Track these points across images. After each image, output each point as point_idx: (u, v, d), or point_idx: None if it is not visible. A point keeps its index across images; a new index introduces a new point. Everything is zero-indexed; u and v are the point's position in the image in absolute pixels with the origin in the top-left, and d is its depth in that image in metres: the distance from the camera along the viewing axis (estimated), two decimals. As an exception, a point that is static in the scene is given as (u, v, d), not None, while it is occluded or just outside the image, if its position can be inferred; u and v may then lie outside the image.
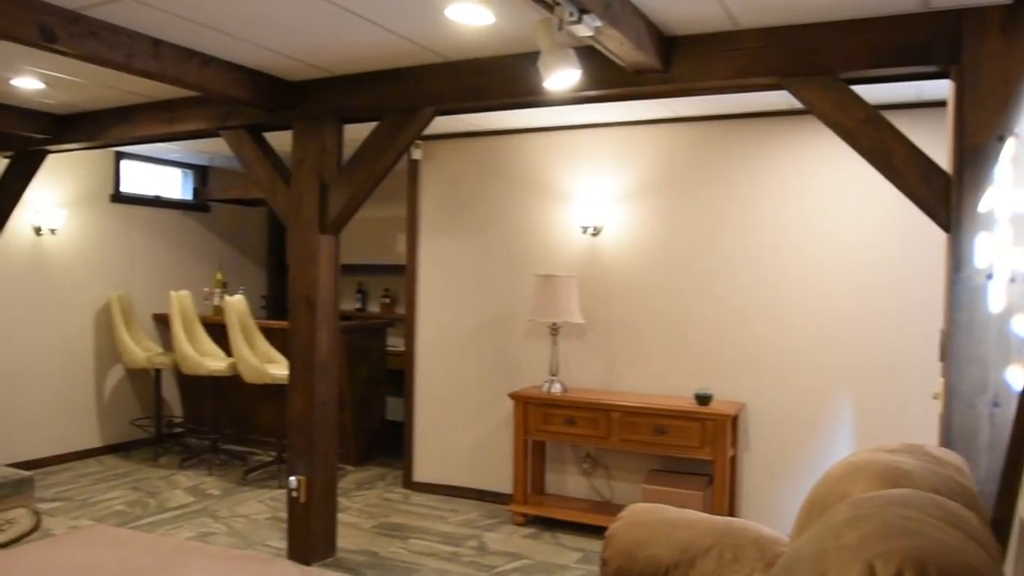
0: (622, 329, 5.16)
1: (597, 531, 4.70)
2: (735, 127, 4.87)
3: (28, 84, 4.58)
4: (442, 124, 4.91)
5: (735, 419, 4.69)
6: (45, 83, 4.56)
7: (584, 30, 2.74)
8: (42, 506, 5.24)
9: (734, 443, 4.72)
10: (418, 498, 5.63)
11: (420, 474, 5.82)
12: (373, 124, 4.16)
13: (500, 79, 3.76)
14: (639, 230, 5.11)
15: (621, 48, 3.07)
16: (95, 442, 6.74)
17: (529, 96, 3.72)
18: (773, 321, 4.76)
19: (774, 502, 4.74)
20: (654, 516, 2.56)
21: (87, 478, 6.06)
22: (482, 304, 5.60)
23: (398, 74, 4.01)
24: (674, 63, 3.41)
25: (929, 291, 3.85)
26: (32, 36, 3.19)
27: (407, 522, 5.08)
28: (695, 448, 4.56)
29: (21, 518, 4.92)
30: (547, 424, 4.96)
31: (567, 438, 4.99)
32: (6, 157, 5.88)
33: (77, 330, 6.60)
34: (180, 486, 5.85)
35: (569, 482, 5.33)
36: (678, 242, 5.01)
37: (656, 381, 5.04)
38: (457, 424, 5.69)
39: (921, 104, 4.29)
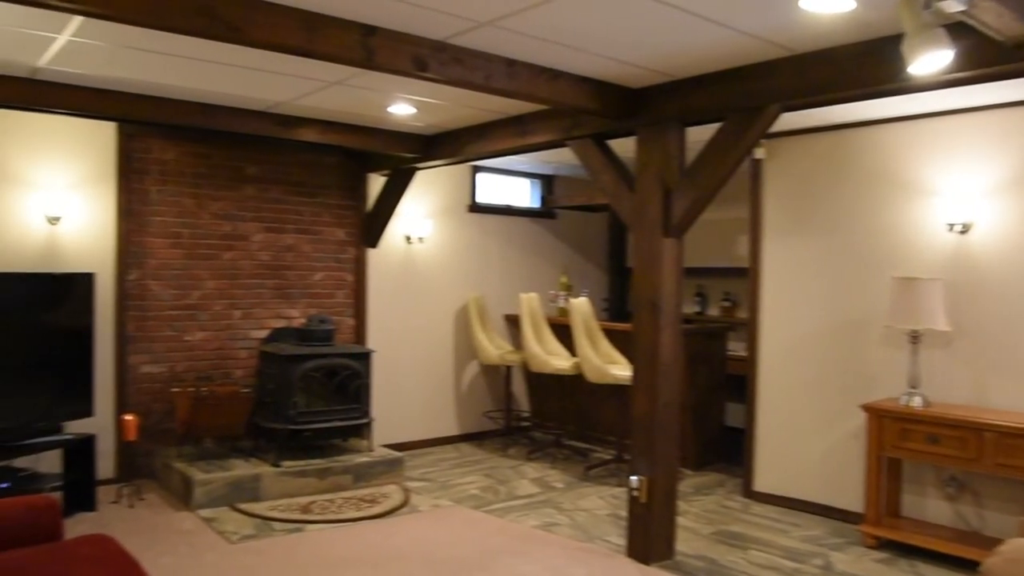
0: (998, 338, 4.57)
1: (962, 564, 4.23)
2: None
3: (402, 110, 5.17)
4: (787, 120, 4.70)
5: None
6: (416, 108, 5.11)
7: (954, 5, 2.47)
8: (409, 484, 5.86)
9: None
10: (758, 508, 5.45)
11: (761, 484, 5.63)
12: (715, 126, 4.11)
13: (854, 68, 3.51)
14: (1019, 226, 4.50)
15: (1000, 21, 2.72)
16: (453, 430, 7.41)
17: (887, 84, 3.43)
18: None
19: None
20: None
21: (446, 462, 6.66)
22: (831, 308, 5.29)
23: (741, 72, 3.91)
24: (1069, 33, 2.95)
25: None
26: (408, 67, 3.59)
27: (747, 532, 4.94)
28: (1093, 480, 3.92)
29: (393, 493, 5.55)
30: (905, 441, 4.55)
31: (928, 458, 4.53)
32: (383, 175, 6.69)
33: (440, 329, 7.31)
34: (527, 476, 6.21)
35: (929, 506, 4.84)
36: (1070, 241, 4.34)
37: (1040, 400, 4.41)
38: (802, 434, 5.42)
39: None
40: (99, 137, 5.49)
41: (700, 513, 5.31)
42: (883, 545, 4.68)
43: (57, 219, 5.30)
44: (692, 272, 7.15)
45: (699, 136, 4.26)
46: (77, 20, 3.47)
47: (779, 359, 5.56)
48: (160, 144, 5.75)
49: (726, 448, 6.67)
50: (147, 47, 3.87)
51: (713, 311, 7.70)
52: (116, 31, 3.55)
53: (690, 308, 7.68)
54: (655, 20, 3.27)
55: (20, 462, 4.88)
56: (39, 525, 3.04)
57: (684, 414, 5.56)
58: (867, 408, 4.71)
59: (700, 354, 6.55)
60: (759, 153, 5.59)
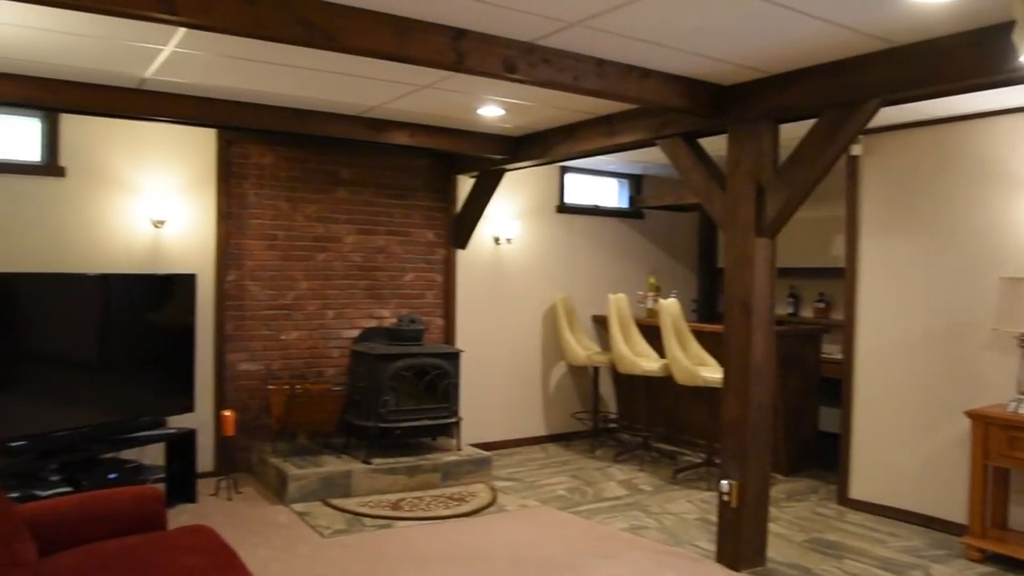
0: (1116, 344, 4.33)
1: (1080, 580, 4.02)
2: None
3: (491, 112, 5.20)
4: (885, 115, 4.54)
5: None
6: (504, 109, 5.14)
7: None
8: (497, 484, 5.89)
9: None
10: (854, 516, 5.28)
11: (857, 491, 5.45)
12: (810, 122, 4.00)
13: (959, 59, 3.36)
14: None
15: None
16: (540, 431, 7.42)
17: (995, 75, 3.26)
18: None
19: None
20: None
21: (533, 463, 6.68)
22: (933, 310, 5.08)
23: (837, 67, 3.79)
24: None
25: None
26: (497, 69, 3.62)
27: (841, 540, 4.79)
28: None
29: (481, 492, 5.59)
30: (1014, 450, 4.33)
31: (1039, 468, 4.32)
32: (472, 176, 6.76)
33: (528, 329, 7.33)
34: (614, 478, 6.17)
35: (1041, 519, 4.61)
36: None
37: None
38: (901, 441, 5.23)
39: None
40: (201, 143, 5.71)
41: (792, 520, 5.18)
42: (988, 559, 4.47)
43: (162, 222, 5.53)
44: (785, 272, 6.97)
45: (793, 133, 4.16)
46: (181, 32, 3.62)
47: (877, 362, 5.37)
48: (258, 149, 5.95)
49: (820, 453, 6.49)
50: (246, 56, 4.01)
51: (806, 312, 7.50)
52: (217, 41, 3.68)
53: (783, 309, 7.50)
54: (747, 15, 3.21)
55: (126, 454, 5.12)
56: (145, 514, 3.17)
57: (776, 418, 5.44)
58: (972, 415, 4.52)
59: (793, 356, 6.38)
60: (856, 150, 5.42)
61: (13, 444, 4.34)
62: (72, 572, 2.66)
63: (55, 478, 4.60)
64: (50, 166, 5.19)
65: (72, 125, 5.24)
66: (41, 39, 3.79)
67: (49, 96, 4.54)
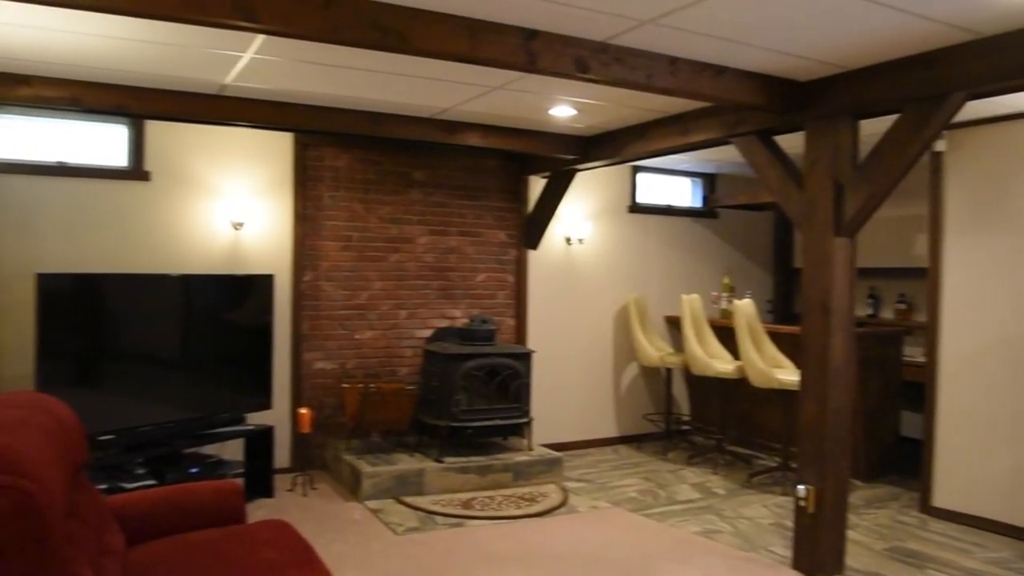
0: None
1: None
2: None
3: (562, 112, 5.20)
4: (972, 109, 4.38)
5: None
6: (576, 109, 5.12)
7: None
8: (568, 484, 5.88)
9: None
10: (937, 525, 5.10)
11: (941, 499, 5.27)
12: (891, 118, 3.89)
13: (1052, 51, 3.23)
14: None
15: None
16: (612, 432, 7.38)
17: (1090, 67, 3.14)
18: None
19: None
20: None
21: (605, 464, 6.64)
22: (1021, 312, 4.88)
23: (920, 59, 3.67)
24: None
25: None
26: (570, 69, 3.61)
27: (924, 550, 4.64)
28: None
29: (552, 493, 5.59)
30: (1111, 458, 4.14)
31: None
32: (543, 177, 6.76)
33: (600, 329, 7.30)
34: (687, 481, 6.10)
35: None
36: None
37: None
38: (988, 447, 5.03)
39: None
40: (278, 147, 5.85)
41: (872, 527, 5.04)
42: (1085, 572, 4.28)
43: (240, 224, 5.68)
44: (864, 272, 6.79)
45: (873, 129, 4.04)
46: (260, 39, 3.71)
47: (962, 366, 5.18)
48: (333, 152, 6.06)
49: (901, 459, 6.30)
50: (321, 61, 4.09)
51: (887, 314, 7.29)
52: (294, 47, 3.76)
53: (861, 310, 7.30)
54: (825, 9, 3.14)
55: (207, 449, 5.27)
56: (225, 508, 3.26)
57: (855, 422, 5.30)
58: (1065, 421, 4.32)
59: (873, 359, 6.21)
60: (940, 145, 5.24)
61: (102, 438, 4.51)
62: (158, 562, 2.75)
63: (140, 471, 4.78)
64: (136, 171, 5.39)
65: (156, 131, 5.43)
66: (130, 49, 3.93)
67: (136, 103, 4.71)
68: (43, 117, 5.15)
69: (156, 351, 5.13)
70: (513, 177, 6.82)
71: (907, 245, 6.95)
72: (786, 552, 4.46)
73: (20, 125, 5.11)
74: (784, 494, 5.63)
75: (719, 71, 3.97)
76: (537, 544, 4.63)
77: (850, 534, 4.52)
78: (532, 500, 5.43)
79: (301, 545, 2.99)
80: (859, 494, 5.71)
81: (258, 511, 4.91)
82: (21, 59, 4.12)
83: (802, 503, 4.22)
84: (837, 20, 3.27)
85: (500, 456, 5.83)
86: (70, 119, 5.22)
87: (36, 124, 5.17)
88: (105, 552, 2.53)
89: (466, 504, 5.28)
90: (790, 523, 4.46)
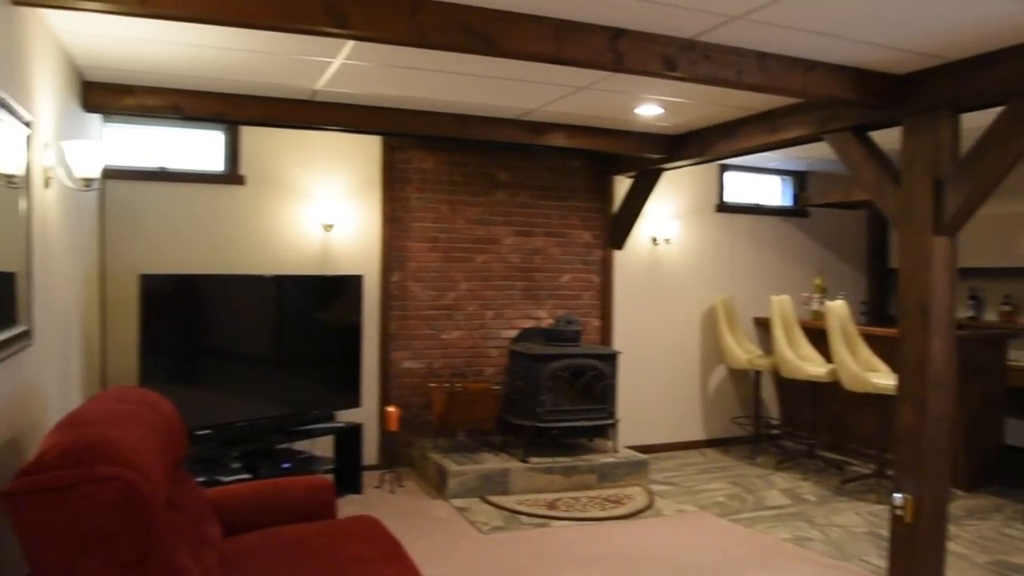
0: None
1: None
2: None
3: (649, 111, 5.15)
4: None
5: None
6: (663, 108, 5.07)
7: None
8: (654, 487, 5.82)
9: None
10: (1047, 538, 4.87)
11: (1050, 511, 5.02)
12: (996, 111, 3.71)
13: None
14: None
15: None
16: (699, 435, 7.27)
17: None
18: None
19: None
20: None
21: (691, 467, 6.55)
22: None
23: (1028, 50, 3.51)
24: None
25: None
26: (657, 68, 3.57)
27: (1033, 564, 4.44)
28: None
29: (637, 495, 5.54)
30: None
31: None
32: (629, 177, 6.71)
33: (686, 330, 7.20)
34: (776, 487, 5.97)
35: None
36: None
37: None
38: (1102, 458, 4.77)
39: None
40: (366, 150, 5.97)
41: (974, 539, 4.83)
42: None
43: (331, 226, 5.82)
44: (965, 273, 6.53)
45: (976, 123, 3.86)
46: (350, 45, 3.79)
47: (1074, 371, 4.93)
48: (420, 154, 6.15)
49: (1005, 469, 6.03)
50: (409, 65, 4.15)
51: (990, 316, 6.97)
52: (382, 52, 3.83)
53: (962, 312, 7.00)
54: None
55: (299, 445, 5.41)
56: (316, 503, 3.35)
57: (956, 429, 5.10)
58: None
59: (975, 363, 5.94)
60: (1049, 140, 4.98)
61: (199, 432, 4.68)
62: (252, 553, 2.84)
63: (235, 465, 4.95)
64: (232, 175, 5.58)
65: (250, 136, 5.62)
66: (226, 58, 4.07)
67: (233, 110, 4.87)
68: (146, 125, 5.39)
69: (251, 349, 5.30)
70: (598, 177, 6.79)
71: (1012, 244, 6.64)
72: (881, 562, 4.32)
73: (125, 133, 5.37)
74: (879, 502, 5.45)
75: (811, 66, 3.87)
76: (622, 547, 4.59)
77: (950, 546, 4.34)
78: (617, 502, 5.40)
79: (390, 541, 3.05)
80: (960, 504, 5.48)
81: (347, 507, 5.01)
82: (125, 70, 4.32)
83: (899, 512, 4.07)
84: (934, 9, 3.13)
85: (585, 457, 5.81)
86: (171, 126, 5.45)
87: (140, 132, 5.42)
88: (204, 542, 2.62)
89: (551, 505, 5.29)
90: (885, 532, 4.32)
